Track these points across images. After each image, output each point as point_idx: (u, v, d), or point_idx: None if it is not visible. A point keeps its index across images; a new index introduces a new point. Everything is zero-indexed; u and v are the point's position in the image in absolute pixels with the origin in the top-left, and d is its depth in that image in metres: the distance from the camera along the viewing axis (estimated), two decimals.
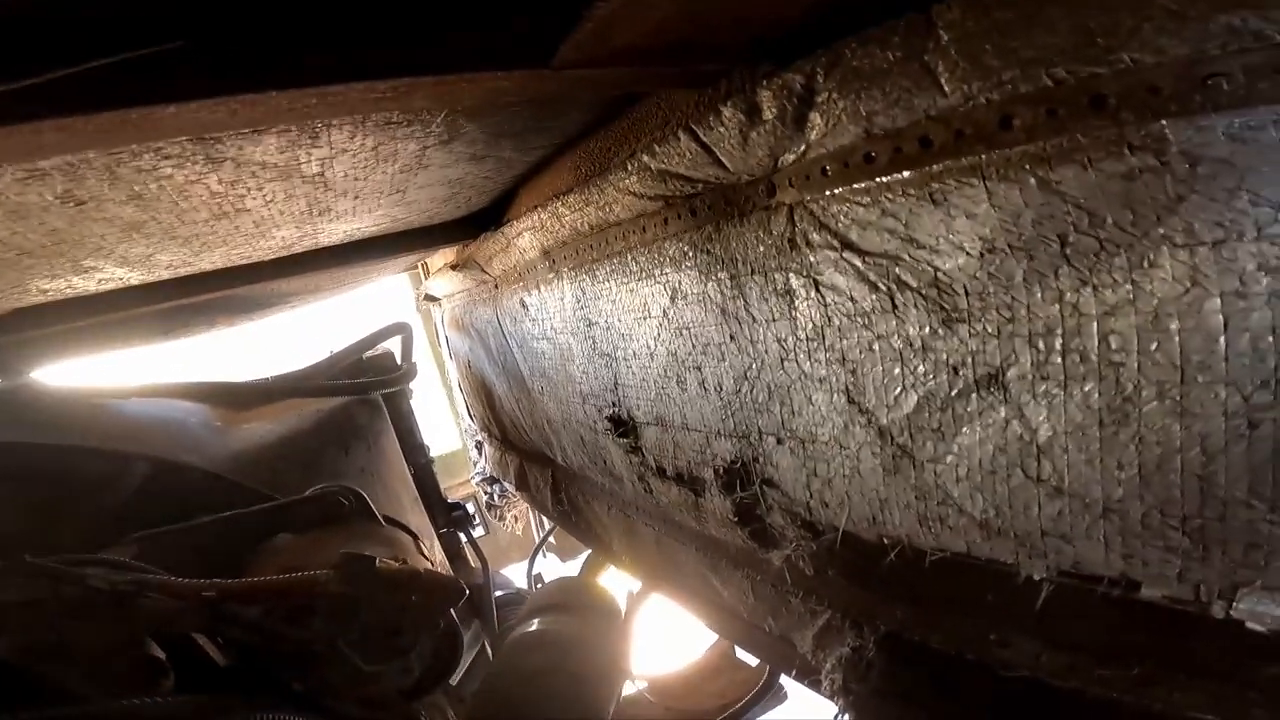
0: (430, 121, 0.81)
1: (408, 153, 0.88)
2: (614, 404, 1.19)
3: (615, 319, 1.09)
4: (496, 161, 1.07)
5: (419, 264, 2.44)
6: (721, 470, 0.95)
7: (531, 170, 1.20)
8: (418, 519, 1.82)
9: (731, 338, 0.85)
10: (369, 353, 2.04)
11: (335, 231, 1.18)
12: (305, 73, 0.53)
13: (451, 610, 1.01)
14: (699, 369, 0.93)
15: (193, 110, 0.50)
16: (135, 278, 1.04)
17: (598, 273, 1.10)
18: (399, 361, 2.07)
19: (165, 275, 1.08)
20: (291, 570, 0.91)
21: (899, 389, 0.66)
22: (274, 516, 1.17)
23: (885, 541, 0.75)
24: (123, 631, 0.79)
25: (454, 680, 1.08)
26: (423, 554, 1.31)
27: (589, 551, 1.96)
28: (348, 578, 0.89)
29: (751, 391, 0.85)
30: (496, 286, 1.62)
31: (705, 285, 0.85)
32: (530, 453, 1.95)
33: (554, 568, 2.95)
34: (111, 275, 0.99)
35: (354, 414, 1.82)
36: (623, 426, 1.18)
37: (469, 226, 1.46)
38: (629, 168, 0.88)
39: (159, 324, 1.49)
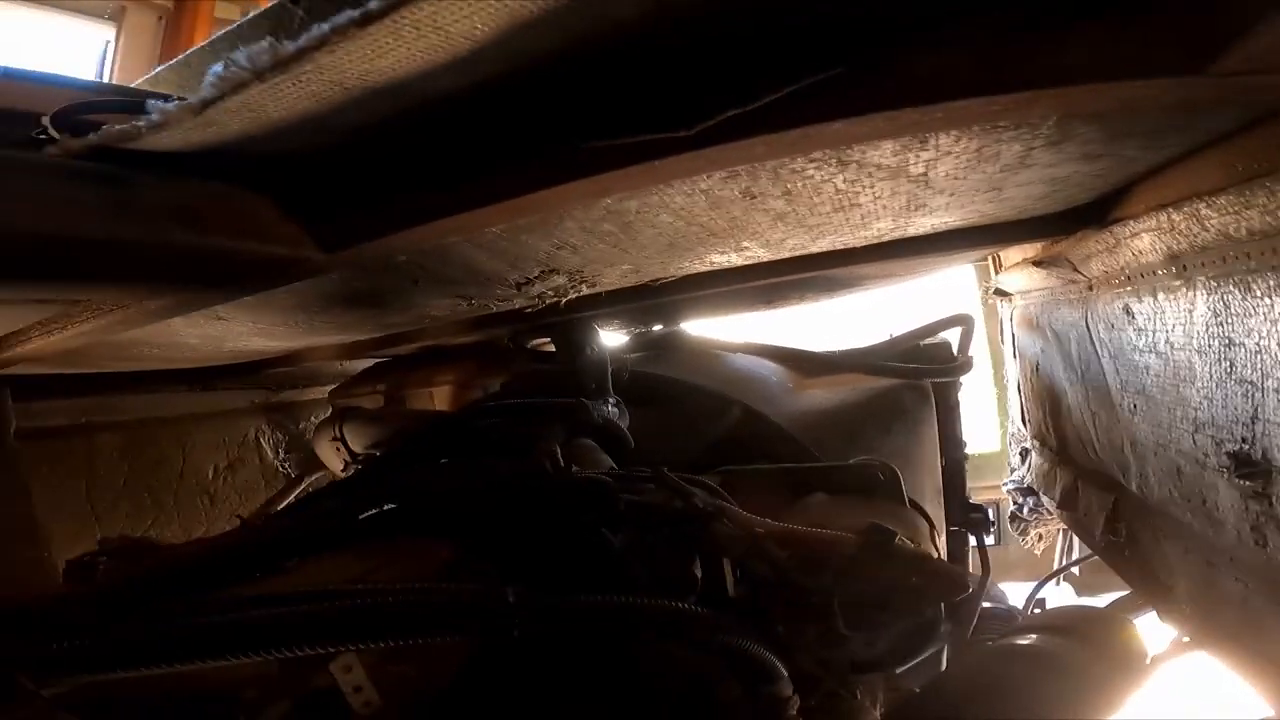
0: (1039, 125, 0.77)
1: (1010, 154, 0.87)
2: (1244, 440, 0.93)
3: (1276, 342, 0.84)
4: (1113, 160, 0.94)
5: (989, 256, 2.32)
6: None
7: (1154, 168, 1.00)
8: (934, 510, 1.78)
9: None
10: (926, 340, 2.08)
11: (924, 224, 1.24)
12: (930, 92, 0.58)
13: (943, 604, 0.96)
14: None
15: (848, 125, 0.61)
16: (767, 255, 1.33)
17: (1254, 286, 0.86)
18: (955, 353, 2.04)
19: (786, 255, 1.34)
20: (818, 527, 0.96)
21: None
22: (817, 475, 1.26)
23: None
24: (694, 547, 0.91)
25: (899, 668, 1.00)
26: (934, 543, 1.28)
27: (1122, 594, 1.65)
28: (868, 545, 0.92)
29: None
30: (1091, 288, 1.42)
31: None
32: (1091, 472, 1.69)
33: (1062, 598, 2.46)
34: (755, 254, 1.30)
35: (901, 397, 1.89)
36: (1249, 468, 0.91)
37: (1061, 222, 1.30)
38: None
39: (767, 295, 1.86)
